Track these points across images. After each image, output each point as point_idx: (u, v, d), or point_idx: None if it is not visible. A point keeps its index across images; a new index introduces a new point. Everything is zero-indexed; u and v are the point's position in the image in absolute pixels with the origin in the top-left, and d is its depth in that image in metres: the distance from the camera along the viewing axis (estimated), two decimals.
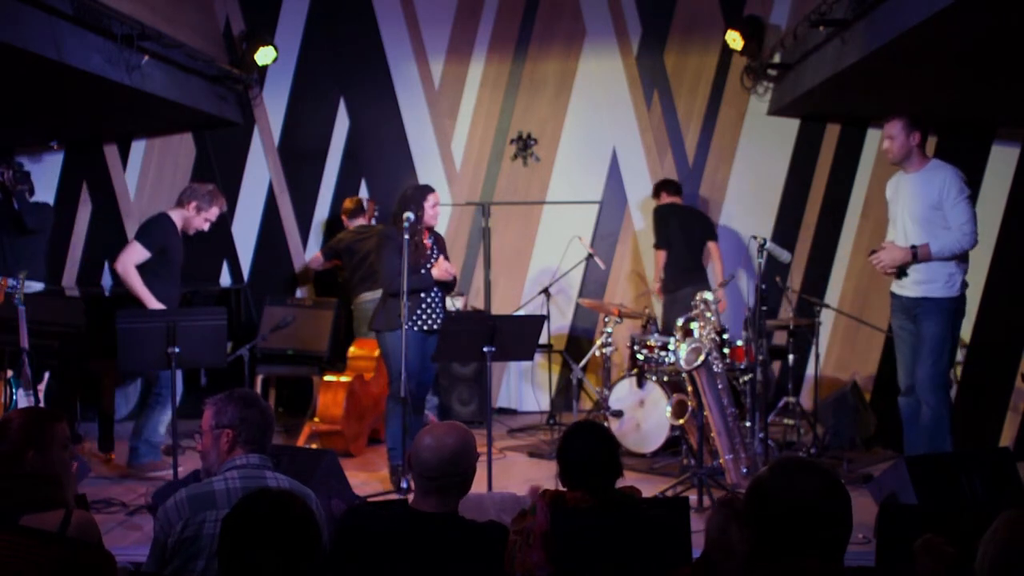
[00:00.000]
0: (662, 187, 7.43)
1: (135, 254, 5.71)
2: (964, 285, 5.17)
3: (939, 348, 5.13)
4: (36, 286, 6.29)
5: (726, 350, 6.05)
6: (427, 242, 5.66)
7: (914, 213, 5.16)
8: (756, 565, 2.09)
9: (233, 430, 2.93)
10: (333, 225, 7.87)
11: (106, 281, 8.22)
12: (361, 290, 7.01)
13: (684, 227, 7.25)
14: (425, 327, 5.55)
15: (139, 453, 5.75)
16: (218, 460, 2.94)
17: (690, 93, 7.78)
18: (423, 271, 5.55)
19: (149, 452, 5.77)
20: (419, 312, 5.54)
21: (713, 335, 5.73)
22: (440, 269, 5.58)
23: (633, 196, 7.82)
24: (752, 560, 2.11)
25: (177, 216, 5.87)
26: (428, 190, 5.65)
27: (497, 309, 7.56)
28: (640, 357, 6.42)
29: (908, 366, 5.29)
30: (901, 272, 5.16)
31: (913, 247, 5.08)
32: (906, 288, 5.21)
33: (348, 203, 7.52)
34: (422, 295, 5.55)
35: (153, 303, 5.62)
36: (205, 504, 2.78)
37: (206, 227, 5.99)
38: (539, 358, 7.61)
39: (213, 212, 5.93)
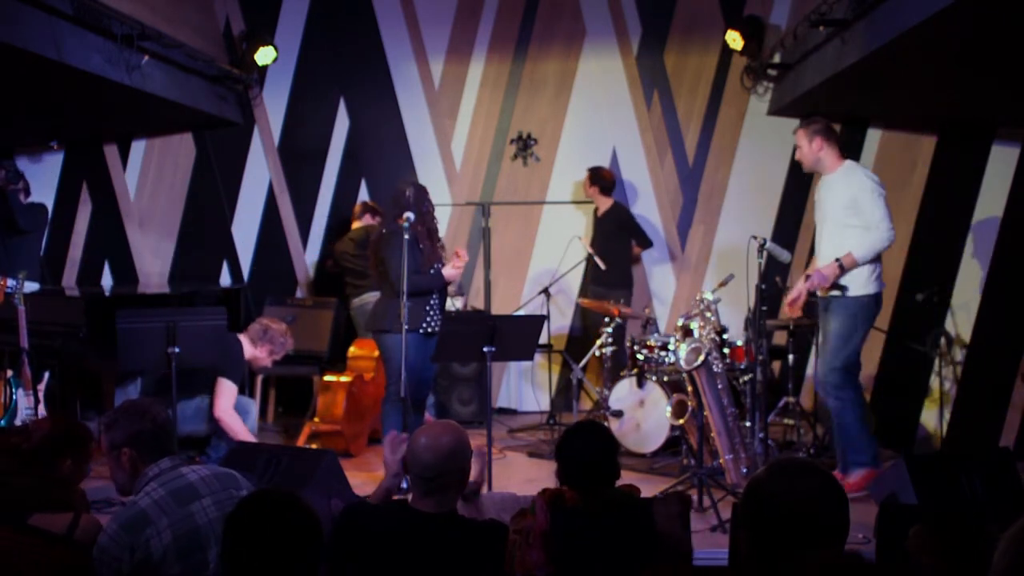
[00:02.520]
0: (612, 187, 7.51)
1: (232, 394, 5.49)
2: (879, 284, 5.22)
3: (836, 344, 5.16)
4: (32, 286, 6.28)
5: (726, 350, 6.05)
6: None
7: (831, 215, 5.27)
8: (753, 566, 2.09)
9: (129, 448, 2.86)
10: (341, 229, 7.84)
11: (106, 281, 8.22)
12: (363, 290, 7.01)
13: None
14: (430, 329, 5.51)
15: None
16: (129, 479, 2.88)
17: (690, 93, 7.78)
18: (432, 271, 5.51)
19: None
20: (423, 313, 5.50)
21: (713, 335, 5.72)
22: (454, 269, 5.52)
23: (633, 196, 7.82)
24: (749, 561, 2.12)
25: (248, 349, 5.67)
26: (426, 191, 5.62)
27: (497, 309, 7.55)
28: (640, 357, 6.42)
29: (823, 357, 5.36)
30: (837, 286, 5.18)
31: (837, 259, 5.12)
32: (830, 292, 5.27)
33: (358, 208, 7.54)
34: (427, 296, 5.51)
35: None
36: (141, 524, 2.73)
37: (270, 366, 5.90)
38: (539, 358, 7.61)
39: (280, 355, 5.80)
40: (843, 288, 5.17)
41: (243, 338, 5.69)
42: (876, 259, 5.19)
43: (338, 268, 7.46)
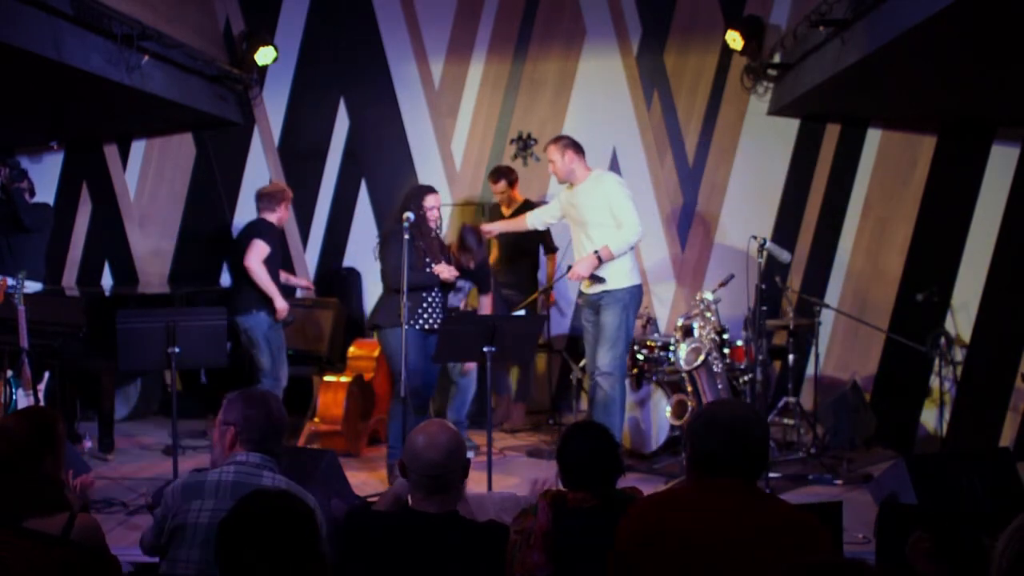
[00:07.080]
0: (516, 180, 7.27)
1: (262, 252, 6.03)
2: (638, 277, 5.83)
3: (614, 336, 5.69)
4: (35, 286, 6.28)
5: (726, 350, 6.05)
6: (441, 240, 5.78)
7: (590, 219, 5.77)
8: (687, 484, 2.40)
9: (235, 427, 2.97)
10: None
11: (106, 281, 8.22)
12: None
13: None
14: (427, 326, 5.56)
15: None
16: (221, 454, 3.00)
17: (690, 93, 7.78)
18: (427, 269, 5.57)
19: None
20: (420, 311, 5.55)
21: (713, 335, 5.73)
22: (447, 272, 5.63)
23: (633, 196, 7.79)
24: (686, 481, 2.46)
25: (274, 218, 6.26)
26: (427, 190, 5.71)
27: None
28: (640, 357, 6.42)
29: (593, 354, 5.84)
30: (595, 277, 5.75)
31: (596, 251, 5.68)
32: (592, 288, 5.80)
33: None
34: (423, 294, 5.56)
35: (279, 298, 6.08)
36: (194, 493, 2.84)
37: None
38: (539, 358, 7.60)
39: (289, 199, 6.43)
40: (601, 280, 5.74)
41: (266, 215, 6.24)
42: (632, 255, 5.82)
43: None
